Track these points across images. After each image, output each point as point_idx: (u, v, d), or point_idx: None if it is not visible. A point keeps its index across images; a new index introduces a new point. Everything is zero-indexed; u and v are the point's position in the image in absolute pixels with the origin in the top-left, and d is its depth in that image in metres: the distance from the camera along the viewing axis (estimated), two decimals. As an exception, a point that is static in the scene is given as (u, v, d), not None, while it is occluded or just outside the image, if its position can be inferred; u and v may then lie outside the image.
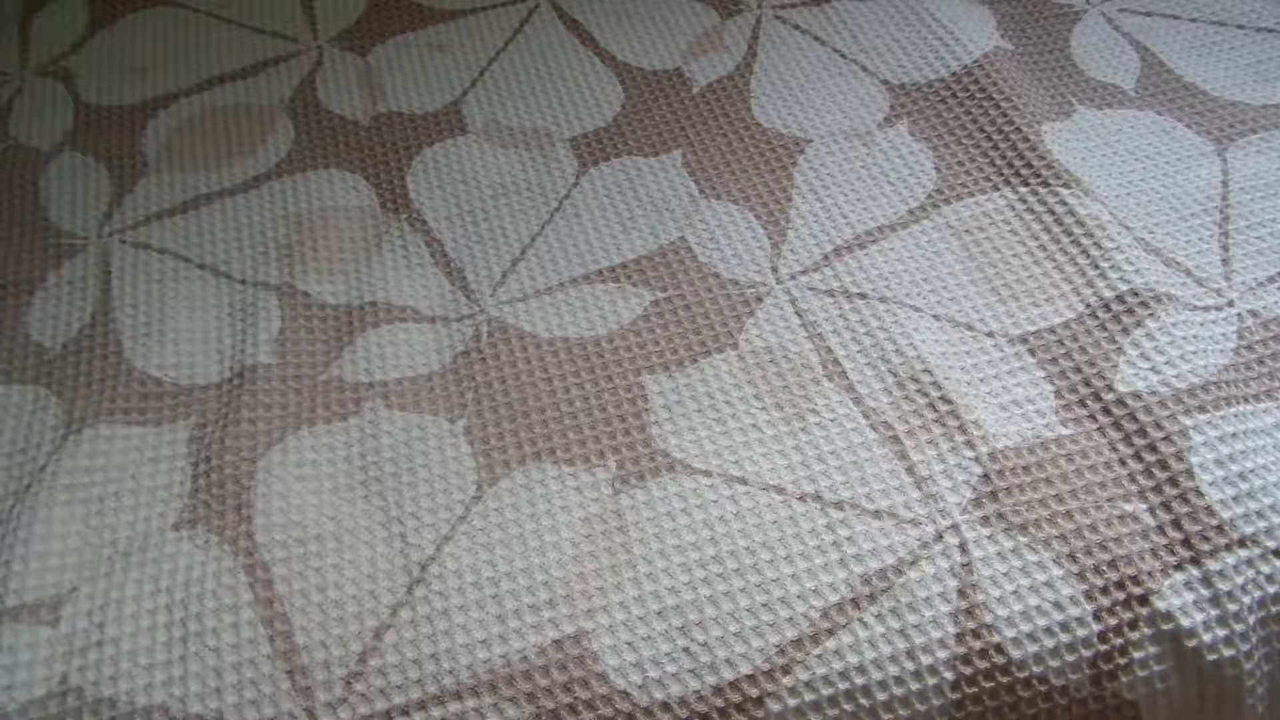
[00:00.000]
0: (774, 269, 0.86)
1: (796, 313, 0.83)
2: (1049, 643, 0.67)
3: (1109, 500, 0.71)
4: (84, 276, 0.89)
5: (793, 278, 0.85)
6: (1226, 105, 0.97)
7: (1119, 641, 0.67)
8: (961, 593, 0.68)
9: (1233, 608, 0.67)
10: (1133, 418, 0.74)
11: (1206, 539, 0.69)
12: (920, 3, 1.07)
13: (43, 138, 1.01)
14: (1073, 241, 0.85)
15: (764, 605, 0.68)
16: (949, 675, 0.66)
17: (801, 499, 0.72)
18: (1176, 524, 0.70)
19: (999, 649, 0.67)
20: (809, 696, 0.65)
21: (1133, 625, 0.67)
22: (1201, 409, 0.75)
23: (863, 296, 0.84)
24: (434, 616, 0.68)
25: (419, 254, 0.89)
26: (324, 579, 0.70)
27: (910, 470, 0.74)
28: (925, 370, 0.78)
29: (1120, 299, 0.81)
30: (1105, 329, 0.80)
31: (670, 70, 1.04)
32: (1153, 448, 0.73)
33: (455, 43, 1.08)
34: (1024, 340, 0.80)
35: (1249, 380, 0.77)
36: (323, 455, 0.76)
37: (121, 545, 0.72)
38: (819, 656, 0.66)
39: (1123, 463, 0.73)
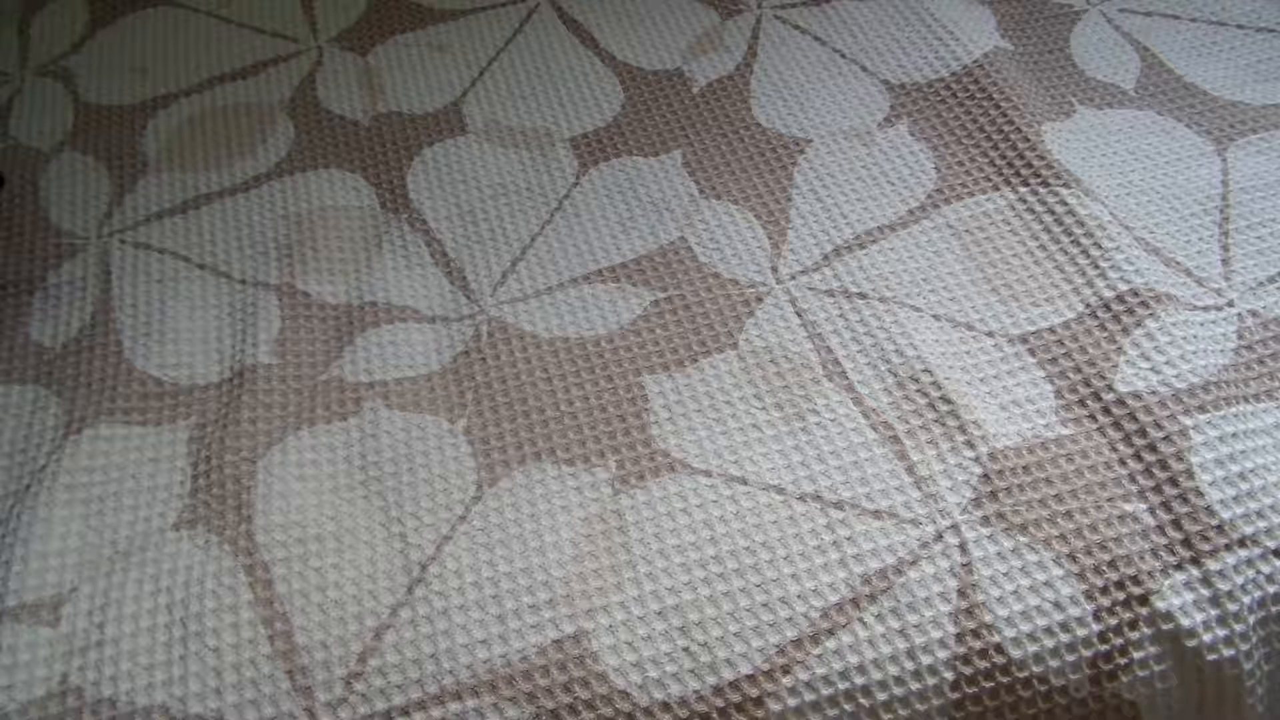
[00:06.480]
0: (774, 269, 0.86)
1: (796, 313, 0.83)
2: (1049, 643, 0.67)
3: (1109, 500, 0.71)
4: (84, 276, 0.89)
5: (793, 278, 0.85)
6: (1226, 105, 0.97)
7: (1119, 641, 0.67)
8: (961, 593, 0.68)
9: (1233, 608, 0.67)
10: (1133, 418, 0.74)
11: (1206, 539, 0.69)
12: (920, 3, 1.07)
13: (43, 138, 1.01)
14: (1073, 241, 0.85)
15: (764, 605, 0.68)
16: (949, 675, 0.66)
17: (801, 499, 0.72)
18: (1176, 524, 0.70)
19: (999, 649, 0.67)
20: (809, 696, 0.65)
21: (1133, 625, 0.67)
22: (1201, 409, 0.75)
23: (863, 296, 0.84)
24: (434, 616, 0.68)
25: (419, 254, 0.89)
26: (324, 579, 0.70)
27: (910, 470, 0.74)
28: (925, 370, 0.78)
29: (1120, 299, 0.81)
30: (1105, 329, 0.80)
31: (670, 70, 1.04)
32: (1153, 448, 0.73)
33: (455, 43, 1.08)
34: (1024, 340, 0.80)
35: (1249, 380, 0.77)
36: (323, 455, 0.76)
37: (121, 545, 0.72)
38: (819, 656, 0.66)
39: (1123, 463, 0.73)
